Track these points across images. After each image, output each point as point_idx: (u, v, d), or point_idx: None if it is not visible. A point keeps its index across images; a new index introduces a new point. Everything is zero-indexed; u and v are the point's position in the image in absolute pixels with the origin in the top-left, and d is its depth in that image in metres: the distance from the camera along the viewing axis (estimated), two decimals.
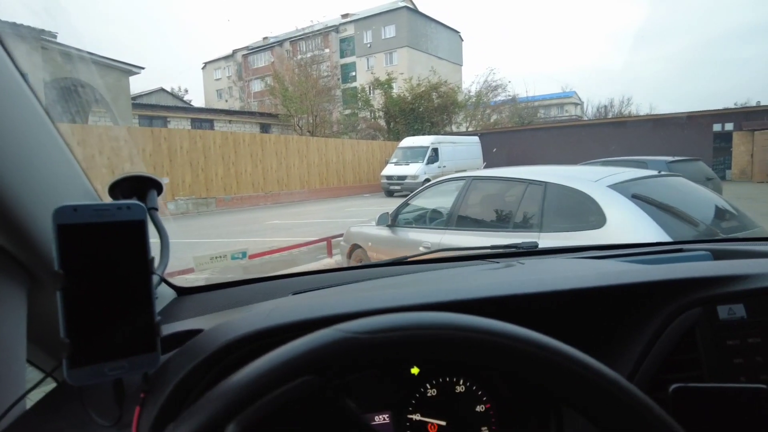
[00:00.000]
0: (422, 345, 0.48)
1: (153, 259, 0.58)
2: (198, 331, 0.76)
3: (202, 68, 54.56)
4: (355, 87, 35.89)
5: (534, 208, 3.30)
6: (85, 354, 0.53)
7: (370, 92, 31.73)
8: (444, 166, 18.70)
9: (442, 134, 24.15)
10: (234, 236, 10.26)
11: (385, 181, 19.60)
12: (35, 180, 0.68)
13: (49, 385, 0.79)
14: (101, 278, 0.54)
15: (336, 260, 6.21)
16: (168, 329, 0.80)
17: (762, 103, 24.43)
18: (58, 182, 0.75)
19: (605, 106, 44.23)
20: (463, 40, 53.26)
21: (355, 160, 23.09)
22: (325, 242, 6.70)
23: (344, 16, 47.37)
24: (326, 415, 0.49)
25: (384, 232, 4.43)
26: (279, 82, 30.74)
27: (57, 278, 0.51)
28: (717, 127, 21.76)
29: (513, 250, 1.50)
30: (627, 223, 2.80)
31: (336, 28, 46.29)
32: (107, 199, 0.75)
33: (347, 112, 33.99)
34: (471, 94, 33.80)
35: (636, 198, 2.88)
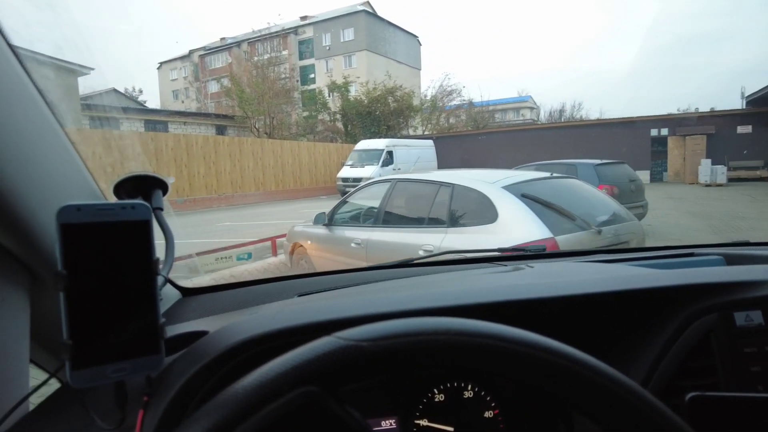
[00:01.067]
0: (426, 351, 0.47)
1: (158, 260, 0.58)
2: (203, 333, 0.76)
3: (158, 68, 53.31)
4: (314, 89, 35.96)
5: (444, 207, 3.72)
6: (88, 356, 0.52)
7: (328, 95, 31.94)
8: (399, 169, 19.14)
9: (398, 137, 24.66)
10: (184, 238, 10.33)
11: (341, 183, 19.86)
12: (39, 178, 0.68)
13: (53, 386, 0.80)
14: (105, 279, 0.54)
15: (280, 259, 6.48)
16: (172, 330, 0.79)
17: (700, 110, 26.14)
18: (62, 181, 0.75)
19: (558, 111, 45.99)
20: (421, 45, 54.13)
21: (312, 162, 23.28)
22: (270, 242, 6.97)
23: (303, 18, 47.36)
24: (329, 423, 0.48)
25: (321, 230, 4.77)
26: (235, 84, 30.53)
27: (60, 279, 0.51)
28: (654, 132, 23.19)
29: (521, 252, 1.49)
30: (514, 218, 3.25)
31: (295, 30, 46.23)
32: (112, 199, 0.75)
33: (305, 114, 34.07)
34: (427, 98, 34.56)
35: (524, 197, 3.34)
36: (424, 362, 0.48)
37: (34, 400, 0.73)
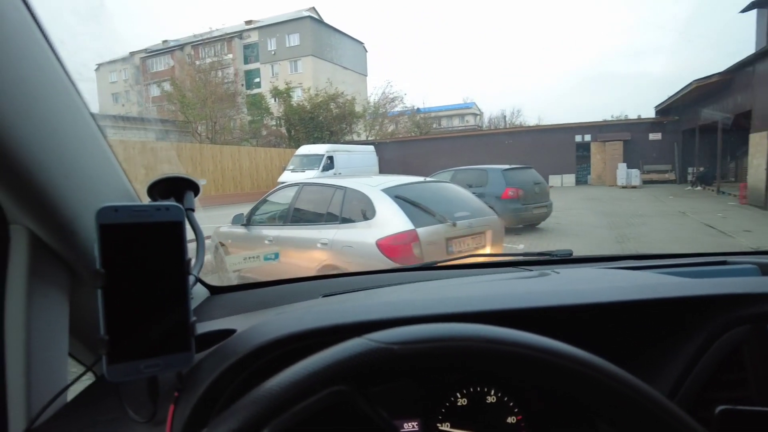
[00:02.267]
0: (455, 357, 0.47)
1: (190, 260, 0.59)
2: (231, 331, 0.78)
3: (96, 70, 51.42)
4: (259, 94, 36.02)
5: (338, 206, 4.39)
6: (123, 351, 0.54)
7: (274, 99, 32.14)
8: (339, 174, 19.68)
9: (341, 143, 25.23)
10: None
11: None
12: (82, 181, 0.69)
13: (89, 379, 0.83)
14: (140, 277, 0.55)
15: (207, 258, 6.92)
16: (201, 328, 0.79)
17: (629, 117, 28.35)
18: (102, 183, 0.76)
19: (498, 117, 48.08)
20: (367, 51, 55.00)
21: (253, 167, 23.49)
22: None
23: (248, 22, 47.16)
24: (358, 422, 0.49)
25: (240, 230, 5.32)
26: (176, 88, 30.21)
27: (98, 277, 0.52)
28: (578, 138, 25.00)
29: (546, 257, 1.47)
30: (387, 214, 3.96)
31: (239, 34, 45.99)
32: (146, 200, 0.76)
33: (249, 119, 34.10)
34: (370, 104, 35.39)
35: (397, 197, 4.05)
36: (452, 367, 0.49)
37: (72, 392, 0.75)
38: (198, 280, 0.89)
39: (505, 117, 46.29)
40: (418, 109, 39.17)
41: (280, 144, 30.09)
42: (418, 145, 28.18)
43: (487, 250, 4.35)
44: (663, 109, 22.97)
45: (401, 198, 4.05)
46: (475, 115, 57.04)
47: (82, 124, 0.70)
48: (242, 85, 41.75)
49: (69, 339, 0.77)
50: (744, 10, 19.34)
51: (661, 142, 23.49)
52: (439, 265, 1.47)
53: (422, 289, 1.07)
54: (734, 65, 13.99)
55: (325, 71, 42.38)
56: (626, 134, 24.01)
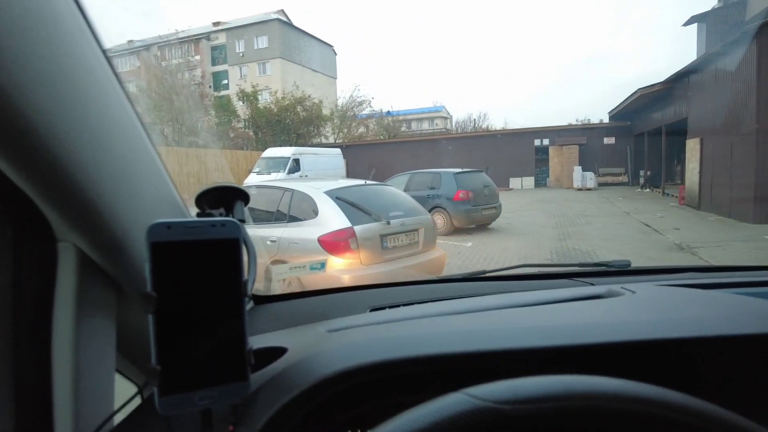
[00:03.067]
0: (577, 418, 0.40)
1: (246, 281, 0.55)
2: (282, 350, 0.75)
3: None
4: (226, 96, 36.00)
5: (286, 207, 4.85)
6: (176, 381, 0.51)
7: (243, 101, 32.21)
8: (306, 176, 20.02)
9: (309, 146, 25.56)
10: None
11: None
12: (132, 195, 0.66)
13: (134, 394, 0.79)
14: (194, 301, 0.52)
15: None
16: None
17: (592, 121, 29.59)
18: (151, 195, 0.73)
19: (464, 120, 49.14)
20: (336, 54, 55.39)
21: (219, 169, 23.62)
22: None
23: (216, 24, 47.00)
24: None
25: None
26: (141, 89, 29.97)
27: (150, 301, 0.49)
28: (537, 142, 26.04)
29: (602, 268, 1.40)
30: (328, 214, 4.44)
31: (207, 36, 45.80)
32: (193, 210, 0.74)
33: (216, 121, 34.07)
34: (338, 108, 35.84)
35: (338, 199, 4.55)
36: (570, 429, 0.41)
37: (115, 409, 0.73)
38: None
39: (474, 120, 47.30)
40: (388, 111, 39.84)
41: (247, 146, 30.21)
42: (386, 147, 28.80)
43: (420, 246, 4.88)
44: (615, 115, 24.16)
45: (341, 199, 4.54)
46: (444, 118, 58.04)
47: (134, 135, 0.67)
48: (210, 86, 41.52)
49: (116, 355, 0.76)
50: (686, 24, 20.66)
51: (615, 146, 24.71)
52: (488, 275, 1.41)
53: (480, 306, 0.98)
54: (673, 75, 14.99)
55: (293, 73, 42.63)
56: (582, 138, 25.17)
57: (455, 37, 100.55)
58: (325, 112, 32.62)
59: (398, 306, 1.09)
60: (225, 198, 0.74)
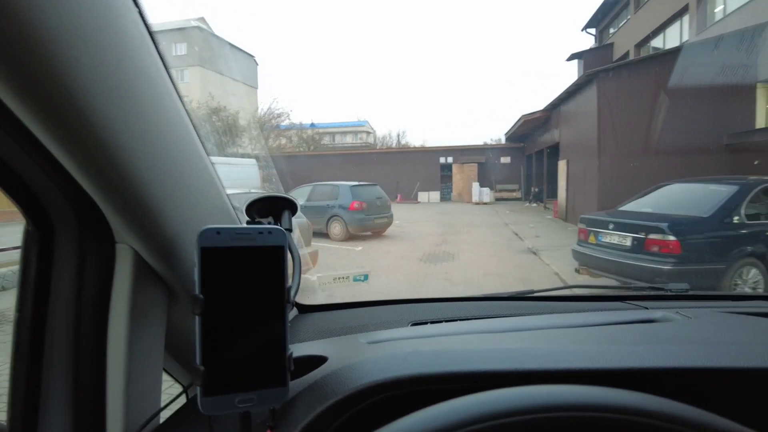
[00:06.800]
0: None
1: (290, 288, 0.57)
2: (322, 359, 0.76)
3: None
4: None
5: None
6: (218, 383, 0.53)
7: None
8: None
9: (224, 156, 25.80)
10: None
11: None
12: (184, 199, 0.68)
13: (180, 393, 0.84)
14: (239, 305, 0.53)
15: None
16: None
17: (502, 141, 32.20)
18: (202, 200, 0.74)
19: (384, 136, 51.13)
20: (258, 65, 55.37)
21: None
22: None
23: None
24: None
25: None
26: None
27: (197, 303, 0.51)
28: (443, 160, 28.18)
29: (659, 292, 1.36)
30: None
31: None
32: (243, 219, 0.75)
33: None
34: (256, 119, 36.13)
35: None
36: None
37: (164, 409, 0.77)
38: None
39: (398, 136, 49.37)
40: (312, 123, 40.53)
41: None
42: (306, 160, 29.72)
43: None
44: (511, 137, 26.82)
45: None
46: (368, 133, 59.60)
47: (188, 143, 0.68)
48: None
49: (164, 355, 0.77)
50: (568, 59, 23.58)
51: (511, 165, 27.38)
52: (536, 295, 1.37)
53: (527, 325, 0.98)
54: (548, 105, 17.36)
55: (213, 82, 42.23)
56: (482, 157, 27.66)
57: (379, 54, 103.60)
58: (243, 122, 32.85)
59: (440, 322, 1.09)
60: (274, 207, 0.76)
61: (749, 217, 5.55)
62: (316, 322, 1.11)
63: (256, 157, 27.13)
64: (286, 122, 37.64)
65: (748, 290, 5.38)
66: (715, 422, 0.42)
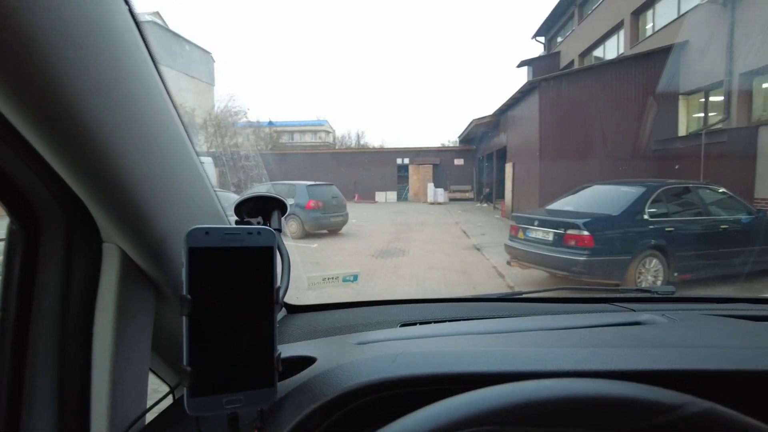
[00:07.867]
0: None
1: (279, 289, 0.57)
2: (311, 359, 0.76)
3: None
4: None
5: None
6: (205, 384, 0.52)
7: None
8: None
9: None
10: None
11: None
12: (173, 199, 0.67)
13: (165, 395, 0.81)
14: (226, 306, 0.53)
15: None
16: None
17: (458, 143, 33.16)
18: (192, 200, 0.74)
19: (343, 136, 51.47)
20: (215, 61, 54.52)
21: None
22: None
23: None
24: None
25: None
26: None
27: (184, 303, 0.50)
28: (399, 161, 28.94)
29: (645, 295, 1.38)
30: None
31: None
32: (233, 218, 0.75)
33: None
34: (211, 117, 35.74)
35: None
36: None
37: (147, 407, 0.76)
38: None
39: (357, 135, 49.77)
40: (270, 122, 40.34)
41: None
42: (266, 158, 29.76)
43: None
44: (464, 139, 27.84)
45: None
46: (327, 132, 59.62)
47: (178, 143, 0.68)
48: None
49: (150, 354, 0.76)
50: (518, 66, 24.73)
51: (464, 167, 28.41)
52: (524, 296, 1.38)
53: (515, 327, 0.98)
54: (497, 110, 18.30)
55: (169, 78, 40.23)
56: (437, 159, 28.56)
57: (340, 55, 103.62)
58: (199, 120, 32.47)
59: (429, 323, 1.09)
60: (264, 207, 0.76)
61: (652, 215, 6.42)
62: (305, 323, 1.11)
63: (212, 155, 27.17)
64: (243, 120, 37.37)
65: (652, 282, 6.22)
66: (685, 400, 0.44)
